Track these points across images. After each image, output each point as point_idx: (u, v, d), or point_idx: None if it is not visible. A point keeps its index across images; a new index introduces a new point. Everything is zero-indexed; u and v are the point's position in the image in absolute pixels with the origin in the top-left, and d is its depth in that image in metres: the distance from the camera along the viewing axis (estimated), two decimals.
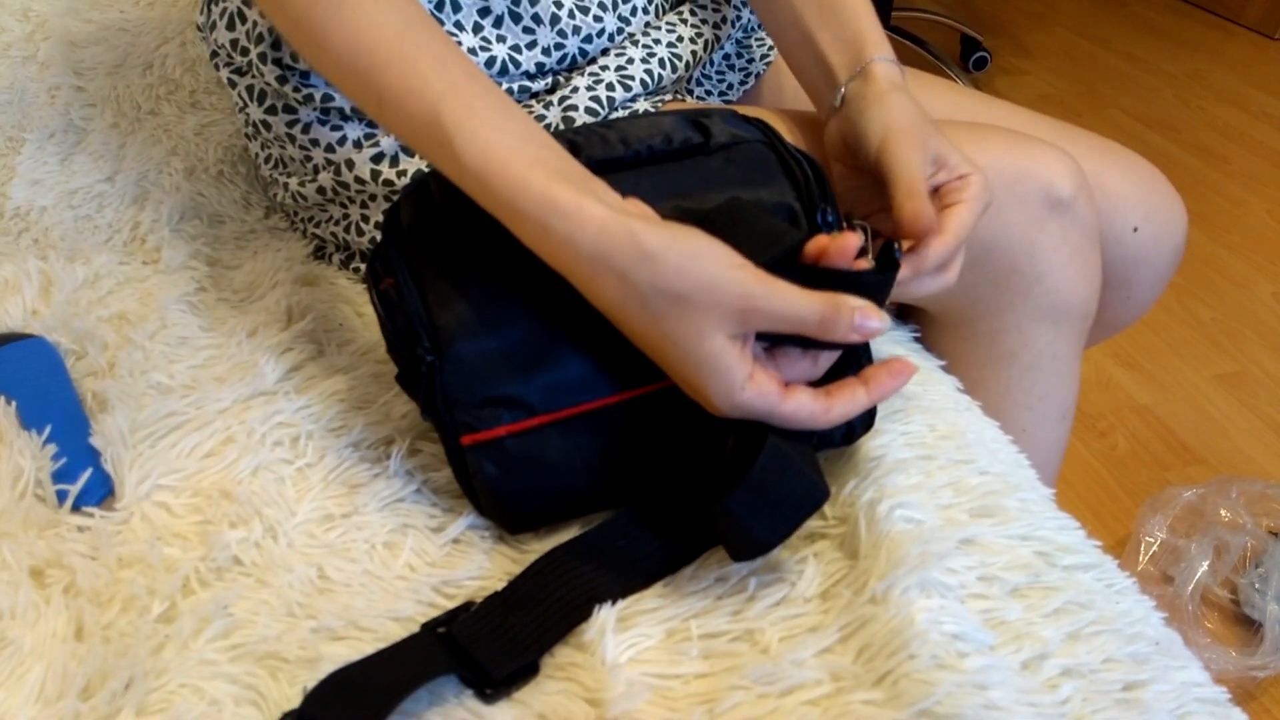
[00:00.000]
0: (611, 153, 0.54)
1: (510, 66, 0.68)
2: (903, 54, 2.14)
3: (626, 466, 0.53)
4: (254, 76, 0.71)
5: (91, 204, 0.80)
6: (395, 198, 0.70)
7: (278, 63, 0.68)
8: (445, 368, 0.50)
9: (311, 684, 0.45)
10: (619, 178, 0.52)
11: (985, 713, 0.43)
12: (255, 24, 0.68)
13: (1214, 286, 1.70)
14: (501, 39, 0.68)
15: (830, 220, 0.54)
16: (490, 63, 0.68)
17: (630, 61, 0.71)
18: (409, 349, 0.51)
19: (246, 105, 0.73)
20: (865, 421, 0.56)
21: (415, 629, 0.49)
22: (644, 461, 0.53)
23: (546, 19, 0.68)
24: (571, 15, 0.69)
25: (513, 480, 0.52)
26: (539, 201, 0.46)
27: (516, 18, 0.68)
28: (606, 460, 0.53)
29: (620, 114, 0.70)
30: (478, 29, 0.67)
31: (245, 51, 0.69)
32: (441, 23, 0.66)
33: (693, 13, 0.77)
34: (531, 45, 0.69)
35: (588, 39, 0.70)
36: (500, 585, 0.51)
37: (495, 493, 0.52)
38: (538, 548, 0.54)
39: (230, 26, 0.70)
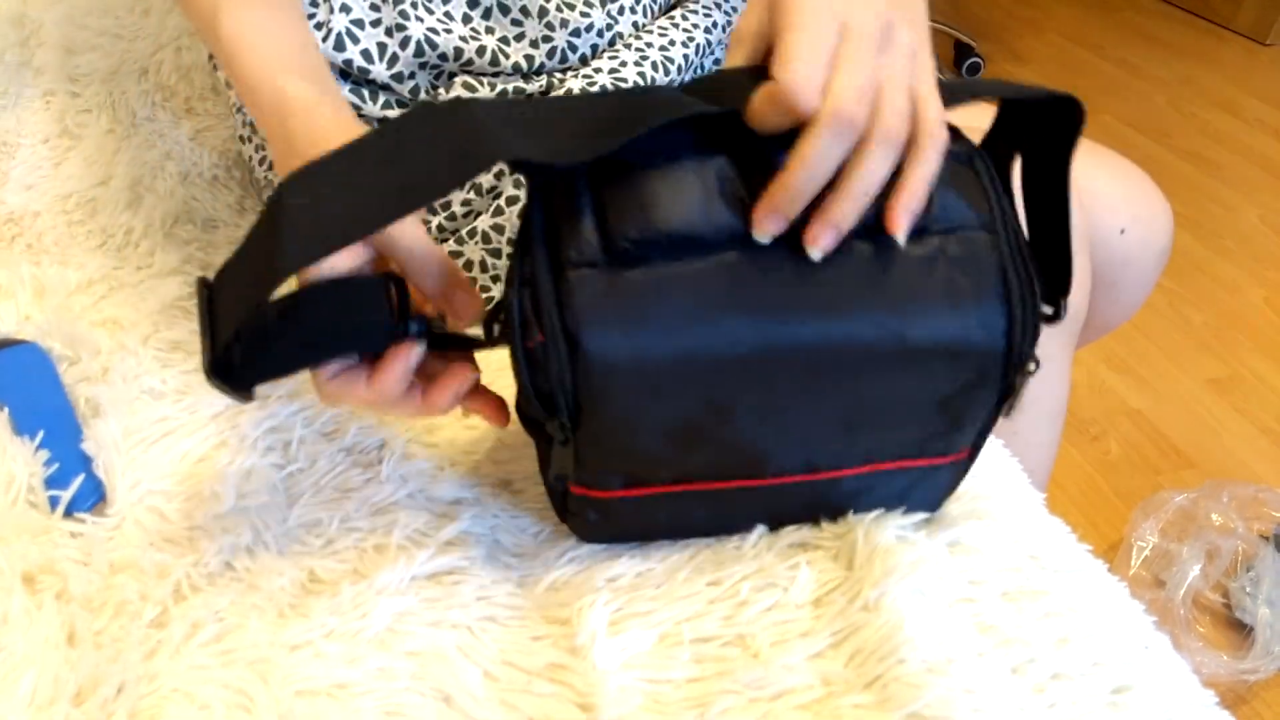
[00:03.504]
0: None
1: (500, 58, 0.69)
2: None
3: (724, 526, 0.54)
4: None
5: (85, 209, 0.80)
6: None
7: None
8: (580, 440, 0.46)
9: (303, 691, 0.45)
10: None
11: (974, 716, 0.44)
12: None
13: (1206, 291, 1.70)
14: (490, 30, 0.69)
15: None
16: (480, 52, 0.68)
17: (624, 64, 0.72)
18: (545, 413, 0.46)
19: (242, 105, 0.73)
20: (953, 486, 0.54)
21: (406, 634, 0.49)
22: (739, 521, 0.54)
23: (534, 11, 0.69)
24: (559, 9, 0.70)
25: (610, 525, 0.52)
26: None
27: (505, 10, 0.69)
28: (706, 519, 0.53)
29: None
30: (467, 20, 0.68)
31: None
32: (431, 12, 0.67)
33: (684, 17, 0.77)
34: (519, 38, 0.69)
35: (575, 33, 0.71)
36: (493, 592, 0.51)
37: (588, 530, 0.53)
38: (531, 549, 0.54)
39: None
